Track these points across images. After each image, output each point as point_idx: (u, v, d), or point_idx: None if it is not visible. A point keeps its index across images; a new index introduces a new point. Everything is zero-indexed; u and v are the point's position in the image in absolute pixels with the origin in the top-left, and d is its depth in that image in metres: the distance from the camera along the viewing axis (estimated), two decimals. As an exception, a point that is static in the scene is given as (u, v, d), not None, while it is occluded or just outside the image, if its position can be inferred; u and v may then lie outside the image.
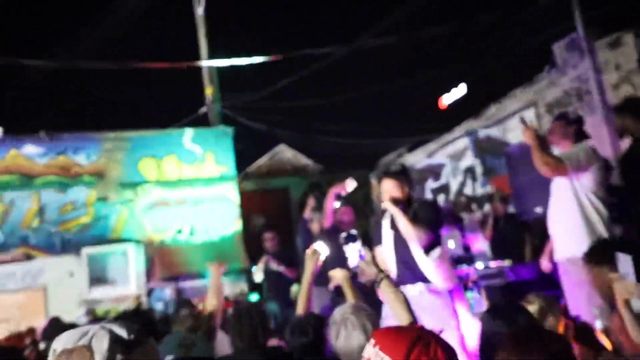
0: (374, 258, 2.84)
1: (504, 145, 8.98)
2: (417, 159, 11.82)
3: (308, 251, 3.33)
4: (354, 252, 2.86)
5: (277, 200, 13.34)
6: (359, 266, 2.82)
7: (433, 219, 4.06)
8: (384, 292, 2.63)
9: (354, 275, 3.28)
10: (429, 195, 11.25)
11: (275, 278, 8.11)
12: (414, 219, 4.04)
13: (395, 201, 4.15)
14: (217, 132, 11.03)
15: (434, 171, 11.24)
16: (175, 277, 9.92)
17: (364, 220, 9.94)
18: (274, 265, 8.09)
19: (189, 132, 10.83)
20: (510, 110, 9.02)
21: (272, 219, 12.74)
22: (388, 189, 4.25)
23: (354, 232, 2.91)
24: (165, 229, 10.22)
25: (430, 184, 11.47)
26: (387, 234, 4.22)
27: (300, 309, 3.15)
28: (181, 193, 10.48)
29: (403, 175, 4.30)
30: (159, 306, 9.40)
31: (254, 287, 9.54)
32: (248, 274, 9.79)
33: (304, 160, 14.30)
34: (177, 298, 9.43)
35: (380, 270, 2.76)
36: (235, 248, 10.41)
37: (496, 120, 9.33)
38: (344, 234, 2.92)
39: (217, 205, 10.56)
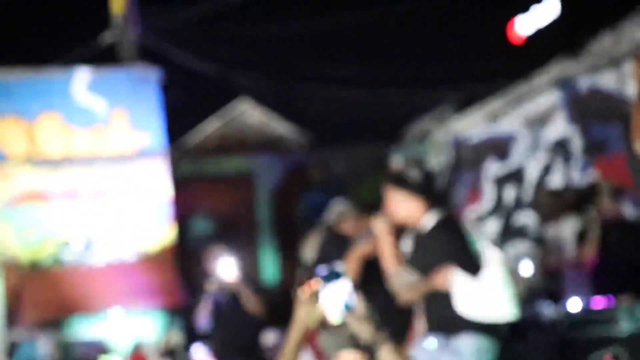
0: (365, 307, 2.67)
1: (620, 103, 8.54)
2: (469, 126, 10.73)
3: (304, 293, 2.79)
4: (336, 298, 2.61)
5: (237, 192, 12.61)
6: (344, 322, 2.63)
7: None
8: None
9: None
10: (489, 186, 10.36)
11: (230, 323, 6.97)
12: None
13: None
14: (131, 74, 10.60)
15: (498, 146, 10.26)
16: (57, 322, 9.55)
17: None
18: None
19: (82, 74, 10.31)
20: (634, 42, 8.47)
21: (227, 224, 12.42)
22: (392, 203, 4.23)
23: (338, 267, 2.68)
24: (42, 241, 9.86)
25: (491, 167, 10.41)
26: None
27: None
28: (69, 179, 10.10)
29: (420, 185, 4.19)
30: None
31: (195, 336, 8.86)
32: (186, 315, 9.36)
33: (280, 126, 13.81)
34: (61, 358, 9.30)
35: (377, 331, 2.63)
36: (163, 273, 9.98)
37: (608, 60, 8.76)
38: (321, 270, 2.65)
39: (132, 200, 10.29)
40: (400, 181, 4.23)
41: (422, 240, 4.10)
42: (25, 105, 9.96)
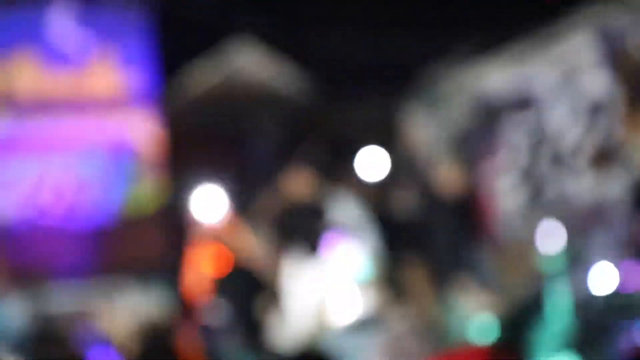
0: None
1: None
2: (489, 75, 10.07)
3: None
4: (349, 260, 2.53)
5: (232, 150, 12.32)
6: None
7: None
8: None
9: None
10: (511, 143, 9.95)
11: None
12: None
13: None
14: (118, 8, 10.22)
15: (524, 101, 9.70)
16: (35, 280, 9.41)
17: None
18: None
19: (61, 8, 9.96)
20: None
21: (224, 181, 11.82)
22: None
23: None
24: (12, 199, 9.60)
25: (516, 127, 9.70)
26: None
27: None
28: (45, 128, 9.84)
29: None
30: None
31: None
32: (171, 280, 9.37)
33: (282, 77, 13.37)
34: (38, 319, 9.16)
35: None
36: (151, 238, 9.84)
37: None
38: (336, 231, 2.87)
39: (116, 153, 10.01)
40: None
41: None
42: None
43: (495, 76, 10.06)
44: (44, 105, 9.60)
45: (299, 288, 5.04)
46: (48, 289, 9.31)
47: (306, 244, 5.26)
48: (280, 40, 12.37)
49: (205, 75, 13.27)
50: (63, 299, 9.40)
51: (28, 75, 9.62)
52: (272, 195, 6.65)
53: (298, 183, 5.82)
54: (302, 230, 5.47)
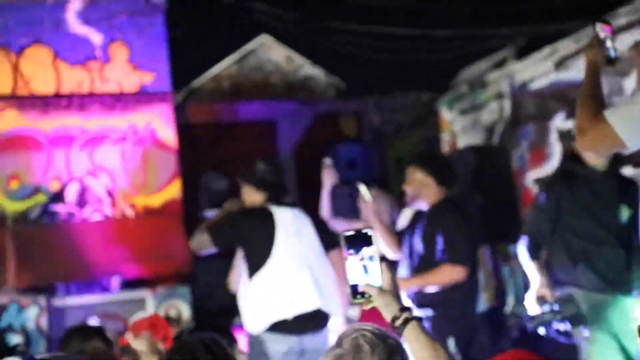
0: (393, 279, 2.45)
1: None
2: (533, 72, 9.18)
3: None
4: (359, 265, 2.40)
5: (255, 144, 11.51)
6: (363, 293, 2.41)
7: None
8: (409, 342, 2.38)
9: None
10: (556, 144, 8.96)
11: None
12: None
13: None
14: (133, 2, 9.80)
15: (568, 96, 8.76)
16: (49, 286, 8.93)
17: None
18: None
19: (76, 2, 9.56)
20: None
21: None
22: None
23: (367, 230, 2.42)
24: (30, 193, 9.13)
25: (560, 124, 8.95)
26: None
27: None
28: (60, 121, 9.31)
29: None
30: (14, 340, 8.62)
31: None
32: (192, 283, 9.26)
33: (306, 67, 12.70)
34: (52, 324, 8.72)
35: (403, 306, 2.43)
36: (165, 233, 9.27)
37: None
38: (348, 232, 2.43)
39: (131, 147, 9.52)
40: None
41: None
42: (10, 36, 9.14)
43: (537, 74, 9.23)
44: (60, 98, 9.21)
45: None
46: (67, 289, 8.92)
47: None
48: (307, 37, 11.75)
49: (228, 67, 12.98)
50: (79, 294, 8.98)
51: (44, 69, 9.23)
52: None
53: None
54: None
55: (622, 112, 2.88)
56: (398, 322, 2.39)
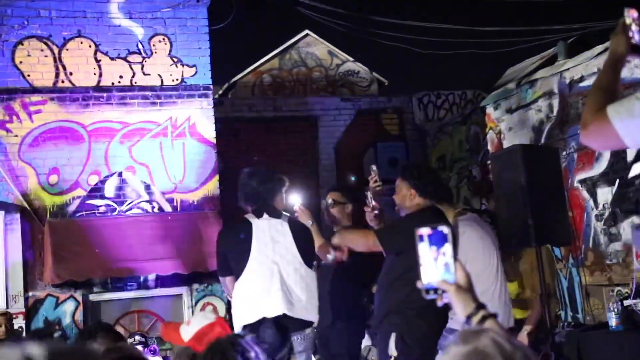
0: (468, 276, 2.37)
1: None
2: (584, 69, 8.70)
3: None
4: (435, 263, 2.34)
5: (295, 139, 11.41)
6: (436, 289, 2.34)
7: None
8: None
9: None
10: (604, 150, 7.90)
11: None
12: None
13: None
14: None
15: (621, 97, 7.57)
16: (86, 281, 8.73)
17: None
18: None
19: None
20: None
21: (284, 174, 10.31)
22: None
23: (443, 227, 2.33)
24: (69, 186, 8.96)
25: None
26: None
27: None
28: (100, 115, 9.17)
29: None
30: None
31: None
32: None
33: (349, 63, 12.57)
34: (87, 319, 8.69)
35: (480, 303, 2.33)
36: (205, 229, 8.89)
37: None
38: (423, 229, 2.35)
39: (171, 142, 9.28)
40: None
41: None
42: (53, 29, 8.92)
43: (586, 72, 8.68)
44: (101, 92, 9.01)
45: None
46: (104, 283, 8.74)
47: None
48: (351, 35, 11.36)
49: (271, 63, 12.76)
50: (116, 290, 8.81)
51: (86, 62, 9.04)
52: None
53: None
54: None
55: (623, 108, 2.68)
56: (475, 320, 2.30)
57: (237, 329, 4.80)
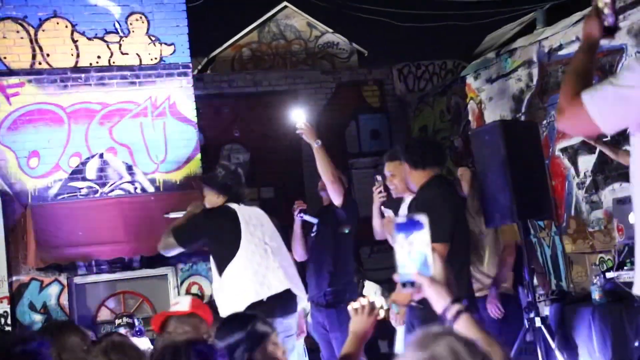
0: (444, 269, 2.31)
1: None
2: (561, 38, 8.56)
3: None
4: (411, 254, 2.27)
5: (275, 114, 10.81)
6: (413, 282, 2.27)
7: None
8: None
9: None
10: None
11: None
12: None
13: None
14: None
15: (600, 65, 7.91)
16: (70, 264, 8.65)
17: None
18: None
19: None
20: None
21: (264, 153, 11.09)
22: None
23: (420, 216, 2.26)
24: (50, 169, 8.84)
25: None
26: None
27: None
28: (79, 96, 9.00)
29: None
30: (35, 320, 8.44)
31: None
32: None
33: (328, 35, 12.41)
34: (73, 302, 8.61)
35: (455, 297, 2.29)
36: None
37: None
38: (399, 219, 2.27)
39: (151, 121, 9.13)
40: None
41: None
42: (28, 9, 8.71)
43: (566, 40, 8.57)
44: (79, 72, 8.84)
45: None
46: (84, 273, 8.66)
47: None
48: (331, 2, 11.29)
49: (249, 37, 12.56)
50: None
51: (63, 42, 8.86)
52: None
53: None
54: None
55: (597, 94, 2.64)
56: (450, 314, 2.26)
57: (235, 309, 4.62)
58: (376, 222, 5.48)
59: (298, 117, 5.40)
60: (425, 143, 5.17)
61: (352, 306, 3.20)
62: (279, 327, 4.69)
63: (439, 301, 2.28)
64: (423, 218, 2.23)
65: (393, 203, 5.25)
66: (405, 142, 5.77)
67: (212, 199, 5.16)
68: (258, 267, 4.88)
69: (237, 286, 4.85)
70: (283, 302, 4.87)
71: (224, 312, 4.77)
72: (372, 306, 3.17)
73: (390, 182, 5.02)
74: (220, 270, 4.91)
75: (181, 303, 4.15)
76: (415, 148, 4.73)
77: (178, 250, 5.18)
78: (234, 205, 5.07)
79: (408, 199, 4.93)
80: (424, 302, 4.36)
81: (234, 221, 4.94)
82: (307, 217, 5.81)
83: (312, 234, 5.87)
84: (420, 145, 4.87)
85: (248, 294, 4.80)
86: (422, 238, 2.23)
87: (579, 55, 2.82)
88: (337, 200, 5.47)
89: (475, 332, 2.20)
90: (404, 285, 2.26)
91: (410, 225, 2.23)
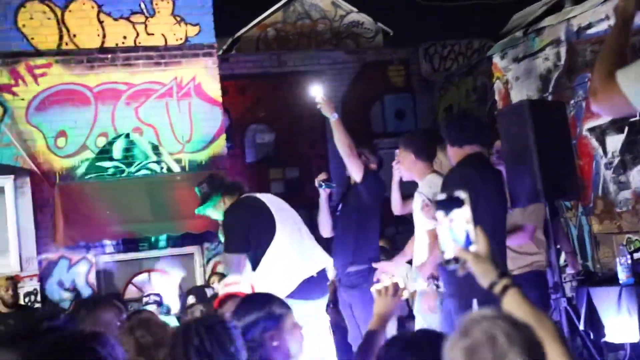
0: (489, 244, 2.26)
1: None
2: (590, 17, 8.38)
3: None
4: (455, 230, 2.21)
5: (301, 95, 9.97)
6: (457, 258, 2.23)
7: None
8: (510, 310, 2.13)
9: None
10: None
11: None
12: None
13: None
14: None
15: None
16: (98, 242, 8.74)
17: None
18: None
19: None
20: None
21: (289, 134, 11.09)
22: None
23: (459, 193, 2.20)
24: (78, 149, 8.86)
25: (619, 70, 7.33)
26: None
27: None
28: (106, 76, 9.02)
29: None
30: (63, 297, 8.54)
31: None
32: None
33: (353, 14, 12.21)
34: (101, 280, 8.73)
35: (502, 272, 2.24)
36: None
37: None
38: (440, 196, 2.22)
39: (177, 102, 9.12)
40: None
41: None
42: None
43: (595, 19, 8.35)
44: (105, 53, 8.84)
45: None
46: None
47: None
48: None
49: (273, 17, 12.46)
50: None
51: (89, 23, 8.86)
52: None
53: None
54: None
55: (632, 73, 2.50)
56: (497, 289, 2.21)
57: (286, 292, 4.65)
58: (395, 196, 5.43)
59: (316, 91, 5.44)
60: (465, 120, 4.98)
61: (375, 287, 3.17)
62: (311, 308, 4.74)
63: (485, 277, 2.24)
64: (462, 194, 2.19)
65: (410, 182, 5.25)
66: (448, 119, 5.73)
67: (225, 205, 5.11)
68: (299, 245, 4.88)
69: (281, 268, 4.81)
70: (318, 283, 4.87)
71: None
72: (395, 287, 3.14)
73: (397, 166, 5.04)
74: (257, 260, 4.84)
75: (243, 284, 4.20)
76: (454, 125, 4.66)
77: (245, 260, 4.97)
78: (256, 194, 5.09)
79: (420, 183, 4.96)
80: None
81: (266, 209, 4.93)
82: (327, 186, 5.77)
83: (337, 213, 5.83)
84: (459, 122, 4.77)
85: (297, 272, 4.78)
86: (463, 214, 2.21)
87: (613, 33, 2.69)
88: (356, 175, 5.38)
89: (524, 307, 2.15)
90: (448, 262, 2.24)
91: (450, 202, 2.21)
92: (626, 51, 2.64)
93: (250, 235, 4.88)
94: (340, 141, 5.28)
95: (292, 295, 4.66)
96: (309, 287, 4.79)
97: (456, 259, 2.22)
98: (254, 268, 4.88)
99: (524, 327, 1.94)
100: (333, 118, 5.29)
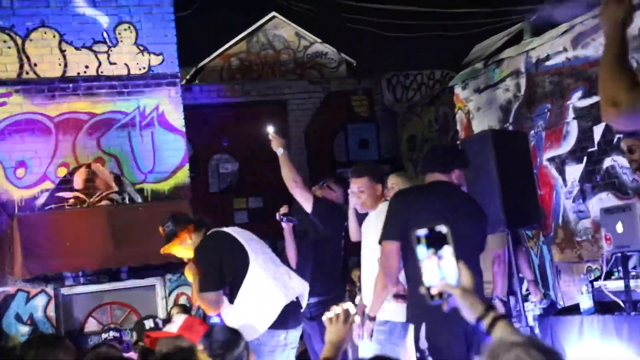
0: (472, 278, 2.26)
1: None
2: (550, 48, 8.58)
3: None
4: (434, 265, 2.21)
5: (265, 124, 9.72)
6: (440, 293, 2.23)
7: None
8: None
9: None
10: (573, 123, 8.33)
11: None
12: None
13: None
14: None
15: (585, 74, 8.15)
16: (57, 275, 8.56)
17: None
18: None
19: None
20: None
21: (253, 163, 10.93)
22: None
23: (441, 228, 2.20)
24: (37, 180, 8.78)
25: (577, 103, 8.34)
26: None
27: None
28: (67, 106, 8.96)
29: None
30: (21, 332, 8.33)
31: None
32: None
33: (317, 45, 12.47)
34: (60, 313, 8.52)
35: (488, 305, 2.27)
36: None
37: None
38: (421, 231, 2.21)
39: (139, 131, 9.11)
40: None
41: None
42: (15, 19, 8.67)
43: (553, 51, 8.49)
44: (67, 83, 8.78)
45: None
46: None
47: None
48: (318, 16, 11.23)
49: (237, 47, 12.48)
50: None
51: (51, 52, 8.81)
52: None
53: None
54: None
55: None
56: (486, 323, 2.21)
57: (266, 320, 4.64)
58: (352, 224, 5.55)
59: (269, 128, 5.81)
60: (431, 149, 5.09)
61: (326, 316, 3.14)
62: (290, 338, 4.73)
63: (472, 310, 2.23)
64: (444, 229, 2.19)
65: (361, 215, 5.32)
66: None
67: (196, 239, 5.04)
68: (274, 273, 4.87)
69: (260, 298, 4.76)
70: (294, 313, 4.83)
71: (247, 331, 4.39)
72: (346, 314, 3.11)
73: (357, 198, 5.02)
74: (234, 293, 4.78)
75: (174, 323, 4.14)
76: (429, 153, 4.70)
77: (221, 296, 4.90)
78: (224, 229, 5.05)
79: (372, 213, 4.98)
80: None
81: (236, 241, 4.91)
82: (289, 220, 5.90)
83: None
84: (432, 151, 4.80)
85: (277, 299, 4.73)
86: (450, 251, 2.20)
87: (610, 42, 2.57)
88: (305, 206, 5.62)
89: (515, 337, 2.09)
90: (432, 297, 2.22)
91: (436, 240, 2.19)
92: (627, 56, 2.56)
93: (224, 271, 4.82)
94: (285, 175, 5.59)
95: (271, 326, 4.66)
96: (285, 316, 4.74)
97: (440, 294, 2.21)
98: (232, 301, 4.80)
99: (554, 354, 1.91)
100: (279, 153, 5.59)
